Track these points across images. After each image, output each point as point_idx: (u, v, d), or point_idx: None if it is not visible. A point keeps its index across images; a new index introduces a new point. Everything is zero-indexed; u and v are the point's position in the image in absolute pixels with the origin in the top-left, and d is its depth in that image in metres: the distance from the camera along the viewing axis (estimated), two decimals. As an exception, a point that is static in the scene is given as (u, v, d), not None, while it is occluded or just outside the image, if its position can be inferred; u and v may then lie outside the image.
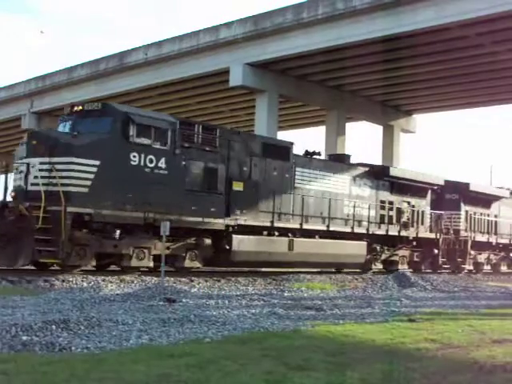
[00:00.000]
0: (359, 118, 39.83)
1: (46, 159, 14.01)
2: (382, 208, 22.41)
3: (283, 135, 37.69)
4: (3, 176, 16.01)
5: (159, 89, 36.23)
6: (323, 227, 19.74)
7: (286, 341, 7.43)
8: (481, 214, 28.14)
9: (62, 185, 13.76)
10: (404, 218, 23.28)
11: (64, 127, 15.27)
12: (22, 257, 13.40)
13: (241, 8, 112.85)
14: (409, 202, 23.79)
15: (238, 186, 17.19)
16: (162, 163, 15.33)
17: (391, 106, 38.69)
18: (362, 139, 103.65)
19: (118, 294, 11.33)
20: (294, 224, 18.71)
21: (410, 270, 22.55)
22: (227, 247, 16.72)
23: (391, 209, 22.77)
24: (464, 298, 15.27)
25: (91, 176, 14.13)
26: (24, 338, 6.70)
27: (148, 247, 15.32)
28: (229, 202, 16.90)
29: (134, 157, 14.82)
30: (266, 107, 31.72)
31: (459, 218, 26.70)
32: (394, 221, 22.73)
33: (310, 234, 19.28)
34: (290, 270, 18.64)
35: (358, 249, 20.74)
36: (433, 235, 24.43)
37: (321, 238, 19.61)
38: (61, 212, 13.44)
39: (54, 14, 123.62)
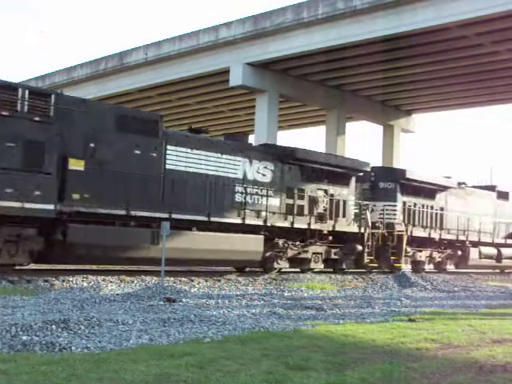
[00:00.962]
0: (359, 117, 39.88)
1: None
2: (290, 197, 18.99)
3: (283, 135, 37.69)
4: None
5: (159, 89, 36.27)
6: (202, 217, 16.37)
7: (286, 341, 7.44)
8: (422, 205, 24.38)
9: None
10: (319, 209, 19.75)
11: None
12: None
13: (241, 8, 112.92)
14: (326, 191, 20.22)
15: (76, 165, 14.21)
16: None
17: (391, 106, 38.75)
18: (362, 139, 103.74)
19: (118, 294, 11.34)
20: (161, 213, 15.47)
21: (330, 270, 20.02)
22: (61, 239, 13.97)
23: (301, 197, 19.30)
24: (464, 298, 15.31)
25: None
26: (24, 337, 6.71)
27: None
28: (63, 185, 14.02)
29: None
30: (266, 107, 31.72)
31: (394, 210, 22.94)
32: (306, 212, 19.27)
33: (185, 225, 16.06)
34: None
35: (252, 244, 17.42)
36: (356, 229, 20.67)
37: (201, 230, 16.43)
38: None
39: (53, 13, 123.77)
